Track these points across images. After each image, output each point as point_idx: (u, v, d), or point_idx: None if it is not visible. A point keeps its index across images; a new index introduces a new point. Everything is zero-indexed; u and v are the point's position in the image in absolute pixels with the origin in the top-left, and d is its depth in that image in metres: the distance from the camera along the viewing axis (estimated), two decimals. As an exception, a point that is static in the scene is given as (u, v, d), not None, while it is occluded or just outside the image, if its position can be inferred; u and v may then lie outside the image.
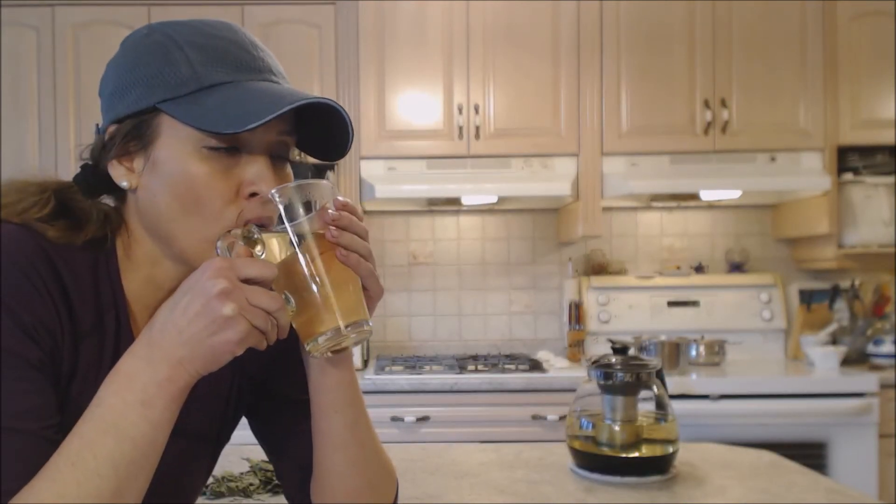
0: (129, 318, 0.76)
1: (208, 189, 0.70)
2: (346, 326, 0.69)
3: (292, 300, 0.69)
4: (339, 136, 0.76)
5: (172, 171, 0.71)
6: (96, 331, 0.73)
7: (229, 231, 0.69)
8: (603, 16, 2.84)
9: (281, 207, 0.69)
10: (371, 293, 0.74)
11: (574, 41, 2.84)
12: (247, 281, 0.64)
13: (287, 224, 0.69)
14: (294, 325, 0.70)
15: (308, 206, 0.69)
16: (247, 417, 0.94)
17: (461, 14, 2.83)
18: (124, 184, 0.73)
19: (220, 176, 0.71)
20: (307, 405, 0.83)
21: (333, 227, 0.69)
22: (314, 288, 0.69)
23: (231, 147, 0.71)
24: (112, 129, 0.73)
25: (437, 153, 2.82)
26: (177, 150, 0.71)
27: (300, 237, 0.69)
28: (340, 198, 0.72)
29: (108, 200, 0.79)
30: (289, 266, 0.69)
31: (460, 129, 2.82)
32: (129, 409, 0.63)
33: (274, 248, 0.70)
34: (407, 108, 2.83)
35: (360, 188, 2.83)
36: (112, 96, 0.74)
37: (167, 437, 0.66)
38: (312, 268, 0.69)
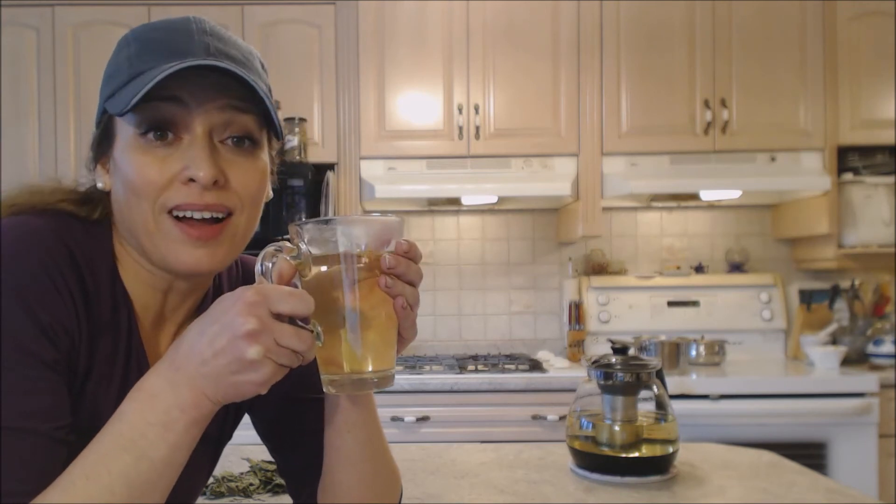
0: (136, 320, 0.76)
1: (142, 179, 0.69)
2: (373, 375, 0.67)
3: (322, 335, 0.65)
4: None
5: (120, 166, 0.71)
6: (111, 328, 0.73)
7: (277, 245, 0.65)
8: (603, 16, 2.84)
9: (340, 237, 0.65)
10: (405, 338, 0.72)
11: (574, 41, 2.84)
12: (281, 315, 0.61)
13: (344, 256, 0.65)
14: (317, 356, 0.67)
15: (371, 242, 0.66)
16: (249, 414, 0.93)
17: (461, 14, 2.83)
18: (100, 185, 0.74)
19: (155, 165, 0.69)
20: (314, 404, 0.83)
21: (387, 277, 0.67)
22: (349, 329, 0.65)
23: (162, 133, 0.69)
24: (94, 133, 0.75)
25: (437, 153, 2.82)
26: (122, 144, 0.71)
27: (348, 273, 0.65)
28: (404, 241, 0.71)
29: None
30: (328, 299, 0.65)
31: (460, 129, 2.82)
32: (149, 429, 0.62)
33: (319, 275, 0.66)
34: (407, 108, 2.83)
35: (361, 188, 2.83)
36: (100, 99, 0.75)
37: (186, 459, 0.64)
38: (352, 307, 0.65)
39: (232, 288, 0.78)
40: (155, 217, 0.70)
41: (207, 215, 0.71)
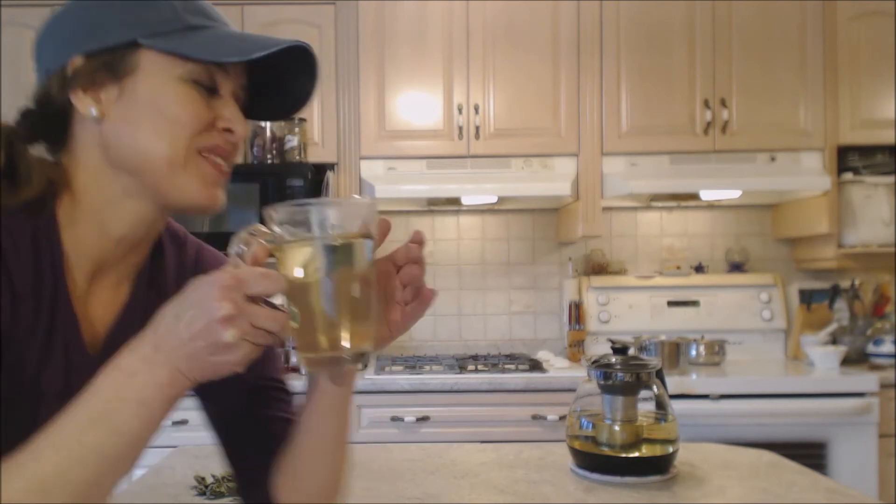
0: (66, 283, 0.75)
1: (189, 112, 0.73)
2: (347, 354, 0.68)
3: (298, 314, 0.66)
4: (290, 98, 0.82)
5: (154, 97, 0.72)
6: (33, 295, 0.72)
7: (251, 228, 0.67)
8: (603, 16, 2.84)
9: (313, 219, 0.67)
10: (400, 323, 0.79)
11: (574, 41, 2.84)
12: (255, 296, 0.63)
13: (316, 238, 0.66)
14: (293, 335, 0.68)
15: (345, 224, 0.68)
16: (199, 397, 0.93)
17: (461, 14, 2.83)
18: (93, 112, 0.73)
19: (204, 106, 0.74)
20: (268, 391, 0.85)
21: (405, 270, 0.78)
22: (324, 309, 0.67)
23: (210, 86, 0.74)
24: (79, 61, 0.73)
25: (437, 153, 2.82)
26: (159, 80, 0.73)
27: (325, 255, 0.67)
28: (413, 243, 0.80)
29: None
30: (303, 281, 0.67)
31: (460, 129, 2.82)
32: (124, 406, 0.64)
33: (293, 257, 0.67)
34: (407, 108, 2.83)
35: (360, 188, 2.83)
36: (77, 32, 0.74)
37: (156, 433, 0.66)
38: (326, 288, 0.67)
39: (182, 267, 0.86)
40: (187, 152, 0.73)
41: (222, 162, 0.77)
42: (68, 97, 0.73)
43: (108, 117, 0.73)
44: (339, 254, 0.67)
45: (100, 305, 0.79)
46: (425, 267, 0.81)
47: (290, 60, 0.78)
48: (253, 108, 0.81)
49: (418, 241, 0.81)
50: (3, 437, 0.66)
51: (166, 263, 0.86)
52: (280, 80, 0.81)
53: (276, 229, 0.67)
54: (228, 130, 0.76)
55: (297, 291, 0.66)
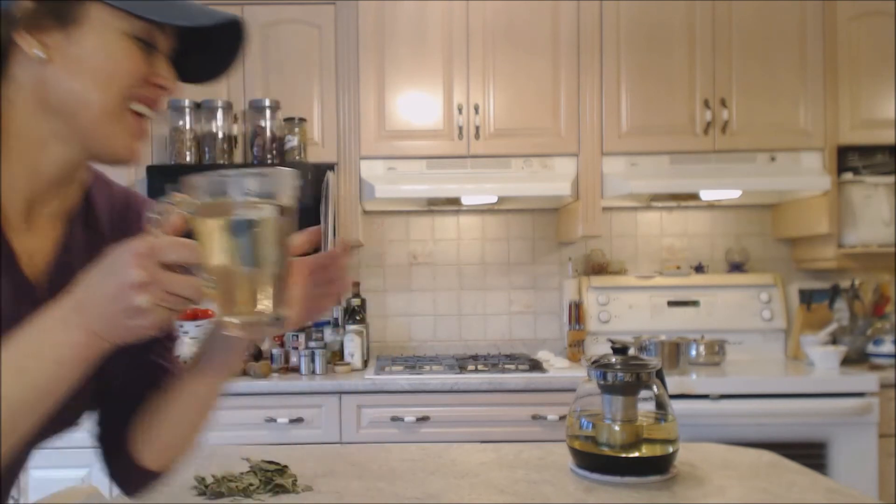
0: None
1: (129, 66, 0.77)
2: (264, 318, 0.71)
3: (215, 281, 0.68)
4: (217, 61, 0.87)
5: (98, 48, 0.76)
6: None
7: (169, 198, 0.69)
8: (603, 16, 2.84)
9: (230, 188, 0.68)
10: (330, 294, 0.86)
11: (574, 41, 2.84)
12: (169, 264, 0.66)
13: (233, 206, 0.68)
14: (211, 298, 0.70)
15: (261, 193, 0.70)
16: None
17: (461, 14, 2.83)
18: (38, 53, 0.76)
19: (140, 59, 0.78)
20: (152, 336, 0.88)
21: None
22: (241, 277, 0.69)
23: (149, 43, 0.79)
24: (28, 3, 0.75)
25: (436, 153, 2.82)
26: (105, 32, 0.76)
27: (241, 224, 0.69)
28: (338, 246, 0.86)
29: None
30: (220, 248, 0.69)
31: (460, 129, 2.82)
32: (40, 363, 0.67)
33: (210, 226, 0.69)
34: (407, 108, 2.83)
35: (361, 188, 2.83)
36: None
37: (67, 391, 0.69)
38: (242, 255, 0.69)
39: (113, 209, 0.91)
40: (119, 106, 0.78)
41: (148, 112, 0.81)
42: (11, 36, 0.75)
43: (52, 61, 0.76)
44: (255, 223, 0.69)
45: (38, 241, 0.83)
46: (344, 268, 0.86)
47: (223, 32, 0.83)
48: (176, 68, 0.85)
49: (343, 245, 0.87)
50: None
51: (97, 204, 0.90)
52: (207, 47, 0.85)
53: (195, 198, 0.68)
54: (161, 86, 0.80)
55: (214, 259, 0.68)
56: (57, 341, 0.67)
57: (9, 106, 0.78)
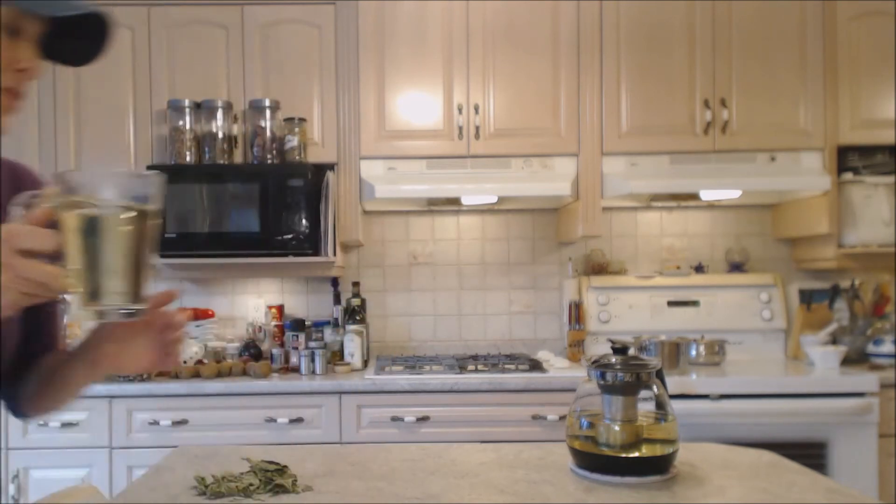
0: None
1: None
2: (120, 307, 0.78)
3: (75, 271, 0.75)
4: (90, 47, 0.98)
5: None
6: None
7: (34, 192, 0.76)
8: (603, 16, 2.84)
9: (92, 187, 0.75)
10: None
11: (574, 41, 2.84)
12: (26, 251, 0.71)
13: (93, 205, 0.75)
14: (70, 287, 0.76)
15: (116, 194, 0.76)
16: None
17: (461, 14, 2.83)
18: None
19: (7, 52, 0.87)
20: (42, 312, 1.10)
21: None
22: (95, 268, 0.76)
23: (13, 29, 0.87)
24: None
25: (436, 153, 2.82)
26: None
27: (98, 221, 0.75)
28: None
29: None
30: (80, 241, 0.75)
31: (460, 129, 2.82)
32: None
33: (72, 220, 0.75)
34: (407, 108, 2.83)
35: (361, 188, 2.83)
36: None
37: None
38: (100, 248, 0.76)
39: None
40: None
41: (14, 100, 0.92)
42: None
43: None
44: (111, 220, 0.76)
45: None
46: (179, 340, 0.96)
47: (94, 21, 0.93)
48: (50, 51, 0.95)
49: (187, 315, 0.98)
50: None
51: None
52: (81, 34, 0.95)
53: (64, 193, 0.74)
54: (24, 70, 0.90)
55: (73, 250, 0.75)
56: None
57: None
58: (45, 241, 0.72)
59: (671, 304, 3.06)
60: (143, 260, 0.79)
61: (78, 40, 0.96)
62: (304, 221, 2.72)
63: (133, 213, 0.76)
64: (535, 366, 2.69)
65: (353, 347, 2.81)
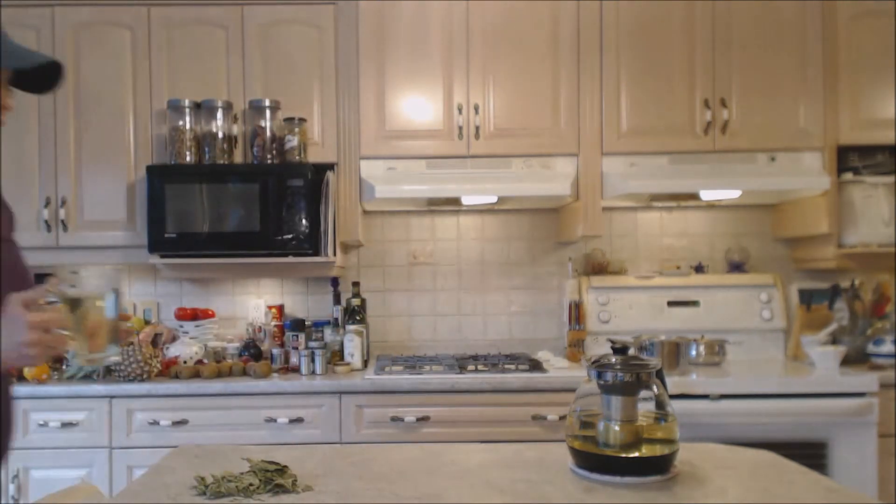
0: None
1: None
2: (99, 361, 1.36)
3: (74, 335, 1.21)
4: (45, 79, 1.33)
5: None
6: None
7: (49, 286, 1.20)
8: (603, 16, 2.84)
9: (69, 287, 1.23)
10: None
11: (574, 41, 2.84)
12: (47, 329, 1.14)
13: (70, 298, 1.23)
14: (72, 344, 1.22)
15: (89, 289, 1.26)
16: None
17: (461, 14, 2.83)
18: None
19: None
20: None
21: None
22: (82, 335, 1.23)
23: None
24: None
25: (436, 153, 2.83)
26: None
27: (82, 312, 1.23)
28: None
29: None
30: (76, 322, 1.22)
31: (460, 129, 2.82)
32: None
33: (66, 306, 1.22)
34: (407, 108, 2.83)
35: (360, 188, 2.83)
36: None
37: None
38: (80, 327, 1.22)
39: None
40: None
41: None
42: None
43: None
44: (82, 306, 1.23)
45: None
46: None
47: (47, 66, 1.29)
48: (23, 83, 1.31)
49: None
50: None
51: None
52: (42, 72, 1.30)
53: (61, 287, 1.22)
54: (4, 108, 1.28)
55: (70, 325, 1.21)
56: None
57: None
58: (58, 322, 1.17)
59: (671, 304, 3.06)
60: (104, 326, 1.25)
61: (39, 77, 1.31)
62: (304, 221, 2.72)
63: (98, 298, 1.24)
64: (535, 366, 2.69)
65: (353, 347, 2.81)
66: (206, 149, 2.78)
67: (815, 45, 2.83)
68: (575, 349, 2.97)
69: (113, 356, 1.26)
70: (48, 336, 1.14)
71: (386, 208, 3.17)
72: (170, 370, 2.66)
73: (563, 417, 2.50)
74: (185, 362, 2.72)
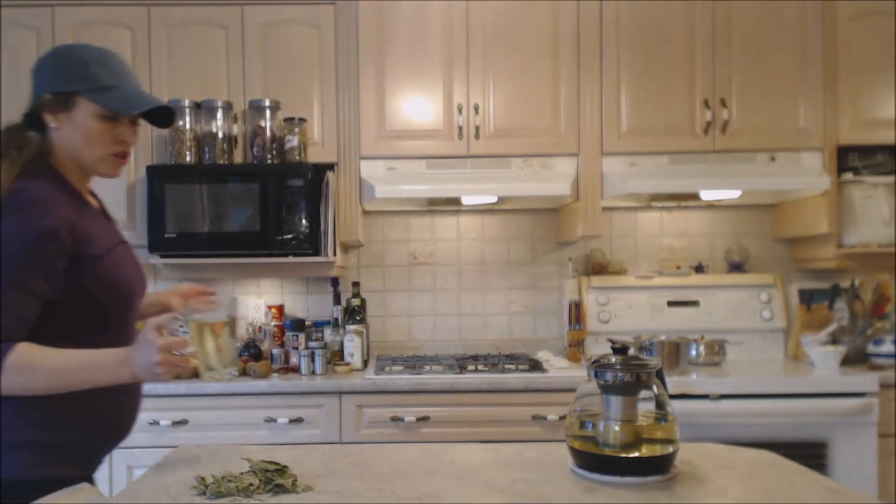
0: (82, 196, 1.46)
1: (99, 137, 1.42)
2: (214, 376, 1.59)
3: (197, 355, 1.46)
4: (166, 116, 1.52)
5: (83, 125, 1.41)
6: (79, 209, 1.41)
7: (179, 317, 1.55)
8: (603, 16, 2.84)
9: (197, 314, 1.57)
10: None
11: (574, 41, 2.84)
12: (172, 351, 1.31)
13: (203, 326, 1.53)
14: (196, 366, 1.45)
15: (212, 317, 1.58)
16: None
17: (461, 14, 2.83)
18: (53, 125, 1.41)
19: (106, 130, 1.42)
20: None
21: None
22: (203, 354, 1.52)
23: (113, 117, 1.41)
24: (48, 96, 1.40)
25: (436, 153, 2.83)
26: (87, 115, 1.40)
27: (205, 335, 1.54)
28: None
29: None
30: (199, 343, 1.50)
31: (460, 129, 2.82)
32: (100, 375, 1.33)
33: (192, 329, 1.53)
34: (407, 108, 2.83)
35: (360, 188, 2.83)
36: (50, 81, 1.41)
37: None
38: (204, 347, 1.51)
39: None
40: (104, 155, 1.44)
41: (122, 159, 1.48)
42: (42, 114, 1.41)
43: (60, 129, 1.41)
44: (204, 329, 1.52)
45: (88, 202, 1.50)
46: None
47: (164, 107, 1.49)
48: (150, 118, 1.49)
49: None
50: (120, 270, 1.44)
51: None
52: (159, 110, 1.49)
53: (186, 318, 1.56)
54: (125, 141, 1.45)
55: (195, 345, 1.47)
56: (114, 373, 1.33)
57: (53, 144, 1.43)
58: (183, 346, 1.33)
59: (671, 304, 3.06)
60: (222, 348, 1.55)
61: (158, 114, 1.49)
62: (304, 221, 2.72)
63: (223, 321, 1.57)
64: (535, 366, 2.69)
65: (352, 347, 2.81)
66: (206, 149, 2.78)
67: (815, 45, 2.83)
68: (575, 349, 2.97)
69: (230, 374, 1.55)
70: (174, 357, 1.30)
71: (386, 208, 3.17)
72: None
73: (563, 417, 2.50)
74: (185, 362, 2.71)
